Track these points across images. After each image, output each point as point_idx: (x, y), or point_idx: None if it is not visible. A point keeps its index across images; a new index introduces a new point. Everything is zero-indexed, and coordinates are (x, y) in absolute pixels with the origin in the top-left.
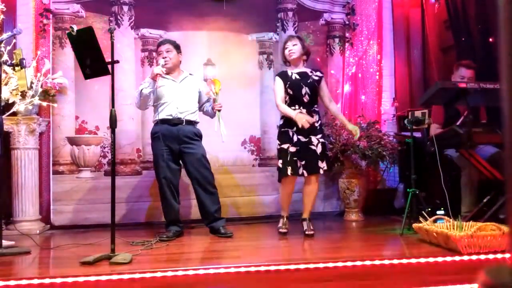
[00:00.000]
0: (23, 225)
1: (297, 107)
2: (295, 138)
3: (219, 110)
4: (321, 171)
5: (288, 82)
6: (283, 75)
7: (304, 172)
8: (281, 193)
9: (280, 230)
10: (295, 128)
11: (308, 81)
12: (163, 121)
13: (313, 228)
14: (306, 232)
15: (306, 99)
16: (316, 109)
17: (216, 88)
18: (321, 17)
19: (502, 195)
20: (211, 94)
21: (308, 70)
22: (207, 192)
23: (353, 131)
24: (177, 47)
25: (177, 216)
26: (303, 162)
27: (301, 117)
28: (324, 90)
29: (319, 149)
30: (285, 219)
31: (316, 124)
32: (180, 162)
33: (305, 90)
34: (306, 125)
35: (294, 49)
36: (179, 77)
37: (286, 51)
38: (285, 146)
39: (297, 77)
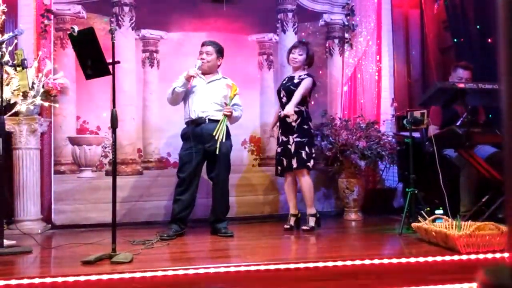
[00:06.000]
0: (24, 225)
1: (279, 106)
2: (280, 139)
3: (225, 115)
4: (292, 169)
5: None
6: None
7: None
8: (285, 189)
9: (284, 226)
10: (280, 130)
11: (287, 84)
12: (191, 122)
13: (312, 224)
14: (301, 227)
15: (284, 100)
16: (296, 109)
17: (231, 93)
18: (320, 18)
19: (501, 195)
20: (224, 99)
21: (297, 75)
22: (221, 191)
23: (287, 113)
24: (219, 51)
25: (185, 216)
26: (287, 160)
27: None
28: (299, 87)
29: (292, 148)
30: (289, 216)
31: (294, 124)
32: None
33: (282, 93)
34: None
35: (298, 58)
36: (210, 78)
37: (291, 56)
38: (276, 147)
39: (285, 81)
